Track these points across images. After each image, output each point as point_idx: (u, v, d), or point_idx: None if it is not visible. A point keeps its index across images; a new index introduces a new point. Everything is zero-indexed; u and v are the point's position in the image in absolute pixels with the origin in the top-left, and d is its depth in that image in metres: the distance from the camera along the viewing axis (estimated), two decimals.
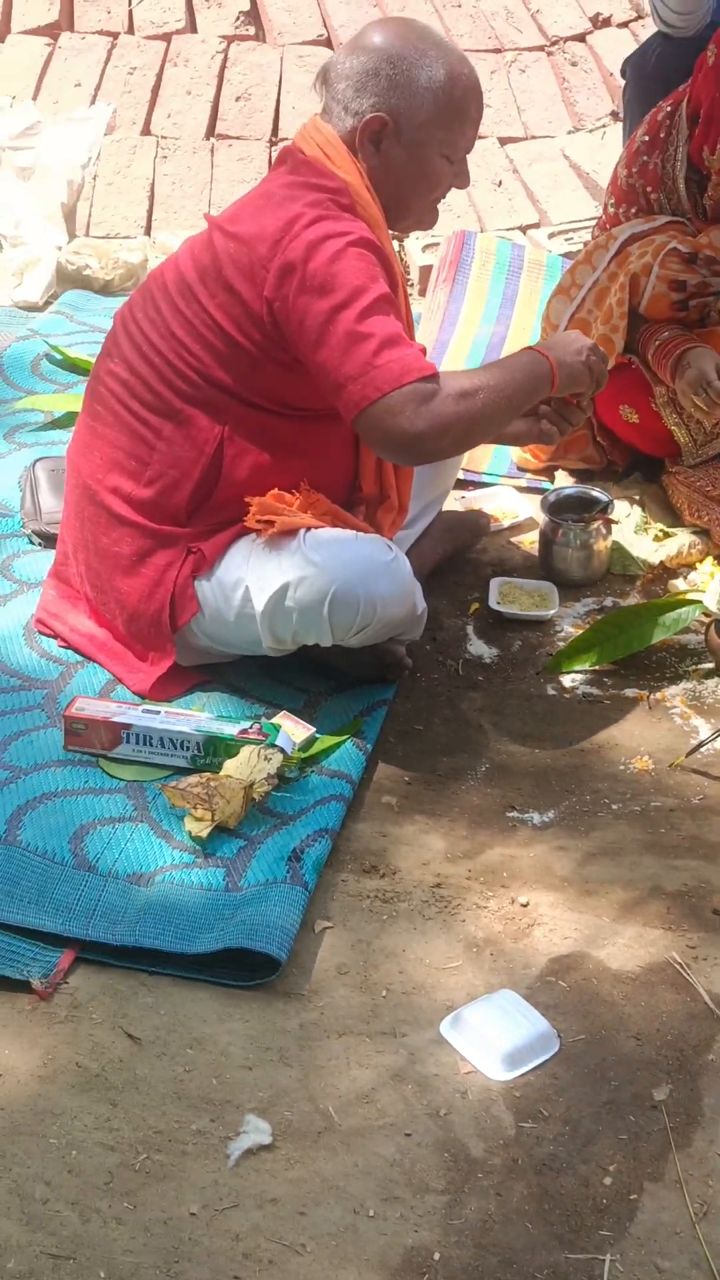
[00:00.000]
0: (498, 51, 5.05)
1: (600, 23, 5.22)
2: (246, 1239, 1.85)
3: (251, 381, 2.58)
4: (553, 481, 3.45)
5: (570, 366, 2.63)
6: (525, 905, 2.37)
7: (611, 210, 3.40)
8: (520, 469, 3.51)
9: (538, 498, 3.39)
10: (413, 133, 2.59)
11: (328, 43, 5.00)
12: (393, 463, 2.69)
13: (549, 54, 5.11)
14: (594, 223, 4.55)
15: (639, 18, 5.27)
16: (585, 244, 3.57)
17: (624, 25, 5.25)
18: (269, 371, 2.57)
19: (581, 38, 5.16)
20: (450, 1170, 1.95)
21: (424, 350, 2.53)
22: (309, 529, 2.60)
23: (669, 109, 3.29)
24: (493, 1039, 2.11)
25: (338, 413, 2.54)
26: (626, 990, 2.22)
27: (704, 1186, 1.93)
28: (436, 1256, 1.84)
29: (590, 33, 5.18)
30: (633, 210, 3.35)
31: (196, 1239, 1.84)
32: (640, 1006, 2.19)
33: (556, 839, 2.51)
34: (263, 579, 2.59)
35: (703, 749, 2.68)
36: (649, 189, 3.32)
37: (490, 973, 2.25)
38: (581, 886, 2.41)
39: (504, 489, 3.43)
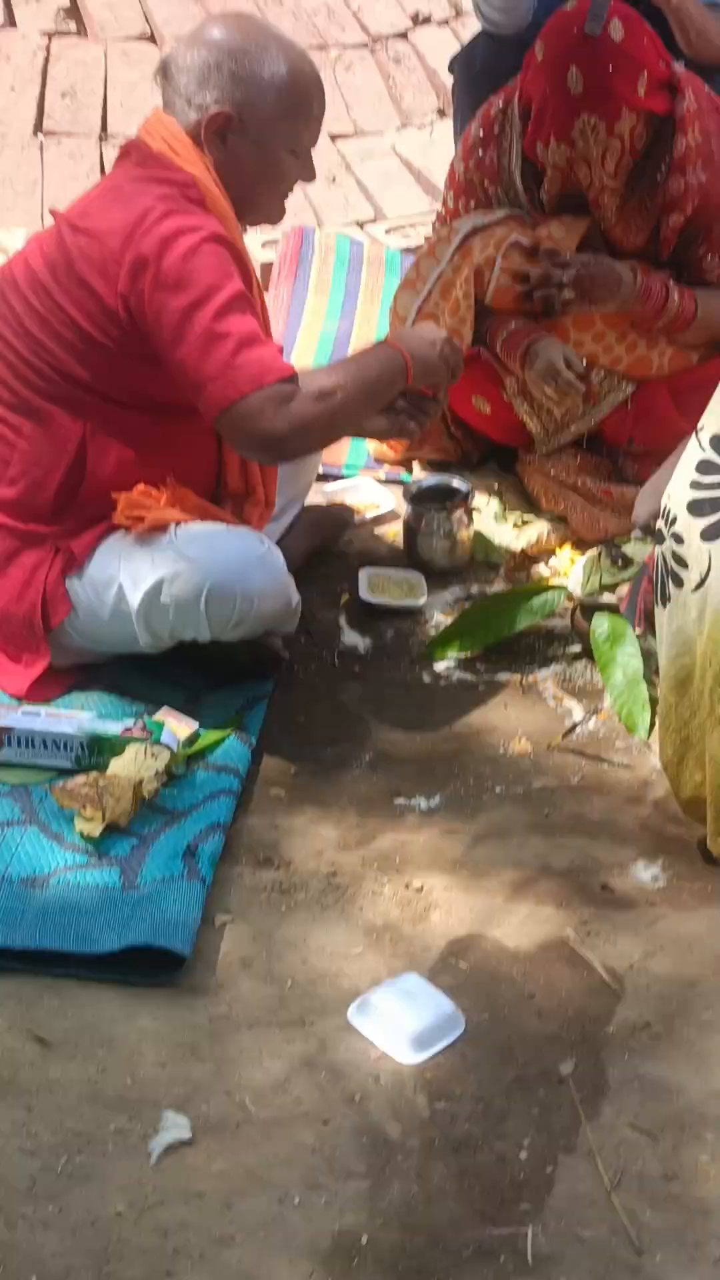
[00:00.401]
0: (322, 48, 5.08)
1: (420, 20, 5.29)
2: (175, 1235, 1.84)
3: (111, 377, 2.56)
4: (410, 473, 3.49)
5: (424, 359, 2.68)
6: (420, 890, 2.40)
7: (451, 204, 3.45)
8: (378, 461, 3.54)
9: (397, 489, 3.44)
10: (258, 128, 2.59)
11: (151, 38, 4.97)
12: (256, 462, 2.71)
13: (372, 51, 5.16)
14: (429, 218, 4.63)
15: (458, 15, 5.36)
16: (427, 237, 3.62)
17: (444, 24, 5.34)
18: (129, 367, 2.55)
19: (403, 35, 5.23)
20: (370, 1154, 1.97)
21: (280, 349, 2.55)
22: (179, 523, 2.59)
23: (500, 105, 3.34)
24: (400, 1022, 2.13)
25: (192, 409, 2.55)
26: (525, 968, 2.27)
27: (615, 1156, 1.98)
28: (364, 1240, 1.86)
29: (411, 30, 5.25)
30: (472, 203, 3.41)
31: (125, 1238, 1.83)
32: (539, 983, 2.24)
33: (445, 823, 2.55)
34: (136, 576, 2.57)
35: (577, 730, 2.75)
36: (486, 183, 3.37)
37: (391, 957, 2.28)
38: (473, 868, 2.45)
39: (364, 481, 3.46)
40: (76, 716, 2.59)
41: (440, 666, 2.93)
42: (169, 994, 2.19)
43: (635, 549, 2.96)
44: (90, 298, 2.51)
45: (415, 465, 3.50)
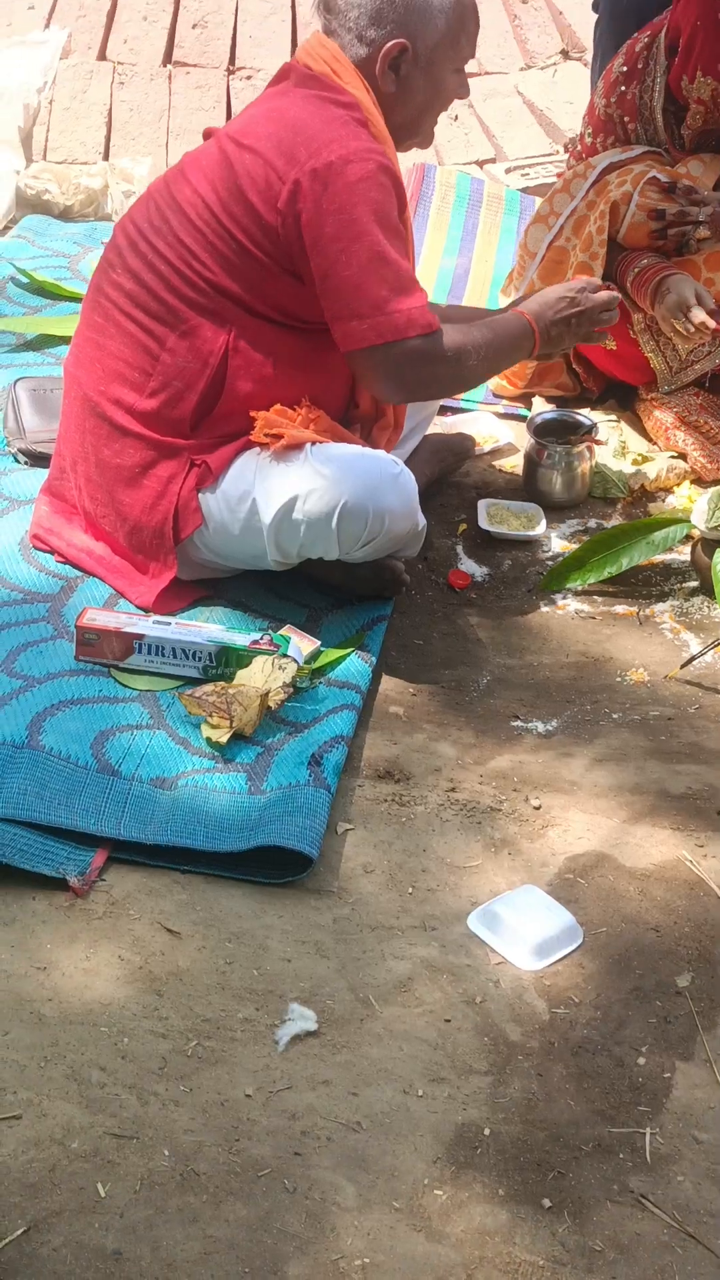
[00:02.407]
0: None
1: None
2: (303, 1118, 1.90)
3: (260, 292, 2.59)
4: (529, 408, 3.50)
5: (551, 334, 2.75)
6: (538, 808, 2.44)
7: (589, 140, 3.44)
8: (496, 395, 3.56)
9: (515, 423, 3.46)
10: (429, 53, 2.63)
11: None
12: (377, 397, 2.74)
13: None
14: (549, 159, 4.63)
15: None
16: (560, 174, 3.63)
17: None
18: (280, 283, 2.59)
19: None
20: (491, 1053, 2.02)
21: (426, 298, 2.59)
22: (315, 443, 2.63)
23: (646, 39, 3.34)
24: (521, 931, 2.17)
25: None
26: (642, 886, 2.30)
27: None
28: (487, 1132, 1.90)
29: None
30: (610, 140, 3.41)
31: (254, 1119, 1.89)
32: (656, 901, 2.27)
33: (562, 746, 2.58)
34: (270, 492, 2.62)
35: (695, 662, 2.77)
36: (626, 119, 3.37)
37: (510, 871, 2.31)
38: (591, 790, 2.48)
39: (482, 415, 3.48)
40: (205, 628, 2.64)
41: (557, 597, 2.95)
42: (294, 894, 2.24)
43: None
44: (248, 212, 2.55)
45: (535, 400, 3.50)
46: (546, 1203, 1.83)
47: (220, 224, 2.58)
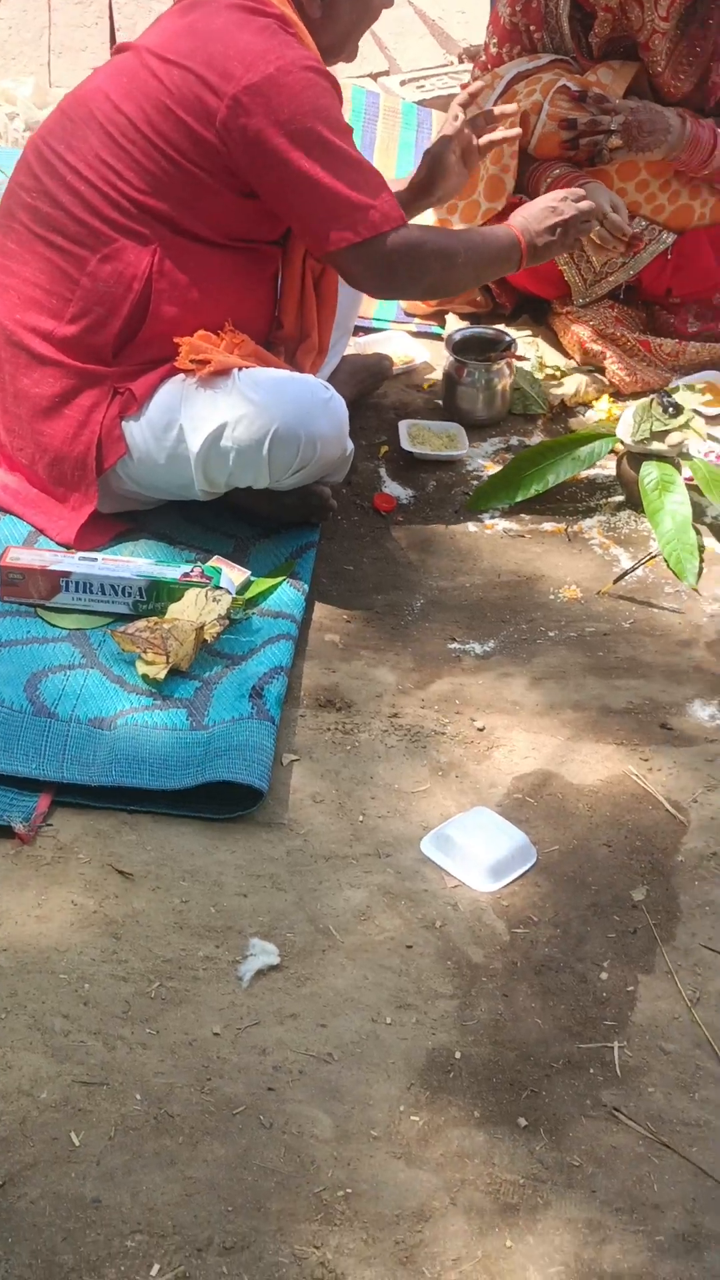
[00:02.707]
0: None
1: None
2: (274, 1053, 1.88)
3: (192, 209, 2.52)
4: (443, 325, 3.45)
5: (538, 244, 2.77)
6: (482, 730, 2.42)
7: (494, 50, 3.38)
8: (409, 314, 3.51)
9: (429, 342, 3.42)
10: None
11: None
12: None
13: None
14: (444, 70, 4.55)
15: None
16: (463, 85, 3.56)
17: None
18: (217, 199, 2.53)
19: None
20: (455, 976, 2.01)
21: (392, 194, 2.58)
22: (242, 369, 2.57)
23: None
24: (475, 853, 2.17)
25: (265, 248, 2.56)
26: (591, 802, 2.30)
27: (693, 975, 2.03)
28: (458, 1055, 1.90)
29: None
30: (516, 49, 3.35)
31: (224, 1057, 1.87)
32: (606, 816, 2.27)
33: (501, 666, 2.57)
34: (198, 419, 2.55)
35: (627, 577, 2.76)
36: (532, 28, 3.31)
37: (459, 794, 2.30)
38: (532, 709, 2.47)
39: (395, 334, 3.43)
40: (133, 562, 2.58)
41: (485, 516, 2.93)
42: (245, 828, 2.21)
43: (686, 397, 2.95)
44: (180, 129, 2.48)
45: (449, 317, 3.46)
46: (522, 1121, 1.83)
47: (148, 140, 2.49)
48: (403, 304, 3.48)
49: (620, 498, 2.98)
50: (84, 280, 2.54)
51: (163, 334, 2.56)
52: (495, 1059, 1.90)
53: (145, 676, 2.41)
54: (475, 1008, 1.97)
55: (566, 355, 3.36)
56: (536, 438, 3.16)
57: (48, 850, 2.13)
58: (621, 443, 2.92)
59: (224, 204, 2.54)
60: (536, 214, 2.77)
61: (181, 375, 2.59)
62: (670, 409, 2.88)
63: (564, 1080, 1.89)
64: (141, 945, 2.01)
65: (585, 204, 2.79)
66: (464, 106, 2.87)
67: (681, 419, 2.88)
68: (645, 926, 2.10)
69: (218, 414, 2.54)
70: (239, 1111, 1.81)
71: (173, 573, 2.54)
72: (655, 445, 2.88)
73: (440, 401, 3.21)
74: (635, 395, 3.25)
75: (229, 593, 2.51)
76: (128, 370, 2.58)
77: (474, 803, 2.28)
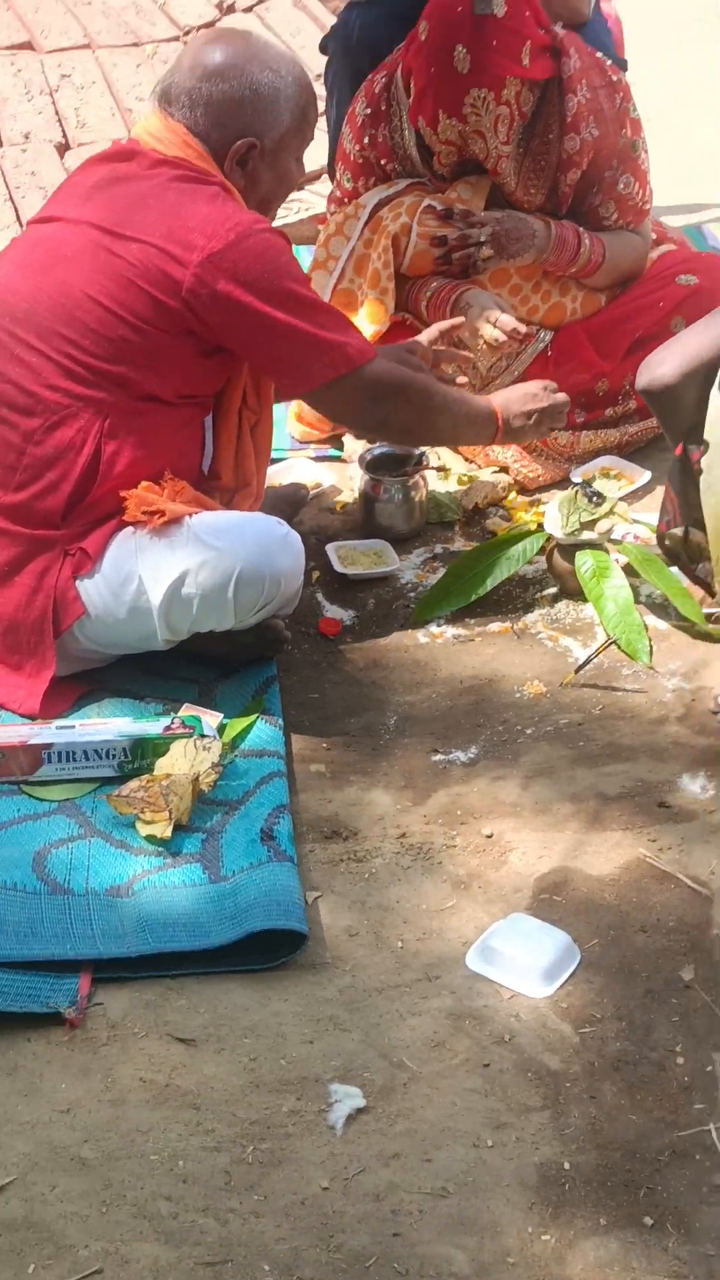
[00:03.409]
0: (136, 45, 5.04)
1: (226, 9, 5.29)
2: (388, 1197, 1.85)
3: (151, 369, 2.55)
4: (340, 448, 3.51)
5: (513, 425, 2.93)
6: (490, 836, 2.44)
7: (348, 185, 3.48)
8: (303, 441, 3.55)
9: (330, 464, 3.47)
10: (275, 147, 2.66)
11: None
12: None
13: (185, 44, 5.13)
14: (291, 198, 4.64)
15: (260, 1, 5.37)
16: (319, 220, 3.65)
17: (249, 10, 5.34)
18: (176, 358, 2.57)
19: (212, 25, 5.22)
20: (539, 1086, 2.01)
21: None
22: (192, 515, 2.58)
23: (384, 80, 3.38)
24: (524, 960, 2.17)
25: (205, 401, 2.64)
26: (615, 891, 2.32)
27: None
28: (567, 1166, 1.89)
29: (219, 19, 5.24)
30: (371, 181, 3.45)
31: (340, 1210, 1.83)
32: (634, 903, 2.30)
33: (490, 770, 2.59)
34: (157, 570, 2.55)
35: (586, 665, 2.82)
36: (383, 160, 3.42)
37: (487, 904, 2.31)
38: (533, 808, 2.50)
39: (297, 461, 3.47)
40: (112, 723, 2.54)
41: (431, 626, 2.96)
42: (291, 974, 2.18)
43: (605, 485, 3.05)
44: (141, 298, 2.51)
45: (345, 438, 3.51)
46: (648, 1220, 1.83)
47: (108, 311, 2.51)
48: (296, 434, 3.52)
49: (554, 589, 3.05)
50: (31, 449, 2.53)
51: (112, 492, 2.56)
52: (603, 1162, 1.90)
53: (151, 837, 2.37)
54: (568, 1115, 1.97)
55: (467, 459, 3.43)
56: (458, 543, 3.22)
57: (101, 1030, 2.07)
58: (552, 536, 2.99)
59: (182, 363, 2.57)
60: (517, 398, 2.93)
61: (131, 528, 2.58)
62: (594, 498, 2.97)
63: (674, 1171, 1.89)
64: (224, 1111, 1.96)
65: (560, 396, 2.98)
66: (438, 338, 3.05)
67: (606, 506, 2.97)
68: (704, 1004, 2.13)
69: (177, 562, 2.54)
70: (371, 1264, 1.77)
71: (155, 728, 2.52)
72: (586, 535, 2.96)
73: (360, 521, 3.25)
74: (540, 489, 3.35)
75: (217, 739, 2.49)
76: (77, 531, 2.57)
77: (503, 910, 2.29)
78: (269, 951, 2.20)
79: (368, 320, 3.35)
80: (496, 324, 3.13)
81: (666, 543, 2.78)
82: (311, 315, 2.59)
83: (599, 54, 3.37)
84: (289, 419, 3.49)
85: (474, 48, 3.13)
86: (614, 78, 3.35)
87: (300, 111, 2.67)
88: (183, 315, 2.52)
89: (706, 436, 2.40)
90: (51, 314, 2.53)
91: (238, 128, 2.61)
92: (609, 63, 3.40)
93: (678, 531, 2.71)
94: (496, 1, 3.14)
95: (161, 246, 2.50)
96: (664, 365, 2.56)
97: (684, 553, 2.74)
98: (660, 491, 3.21)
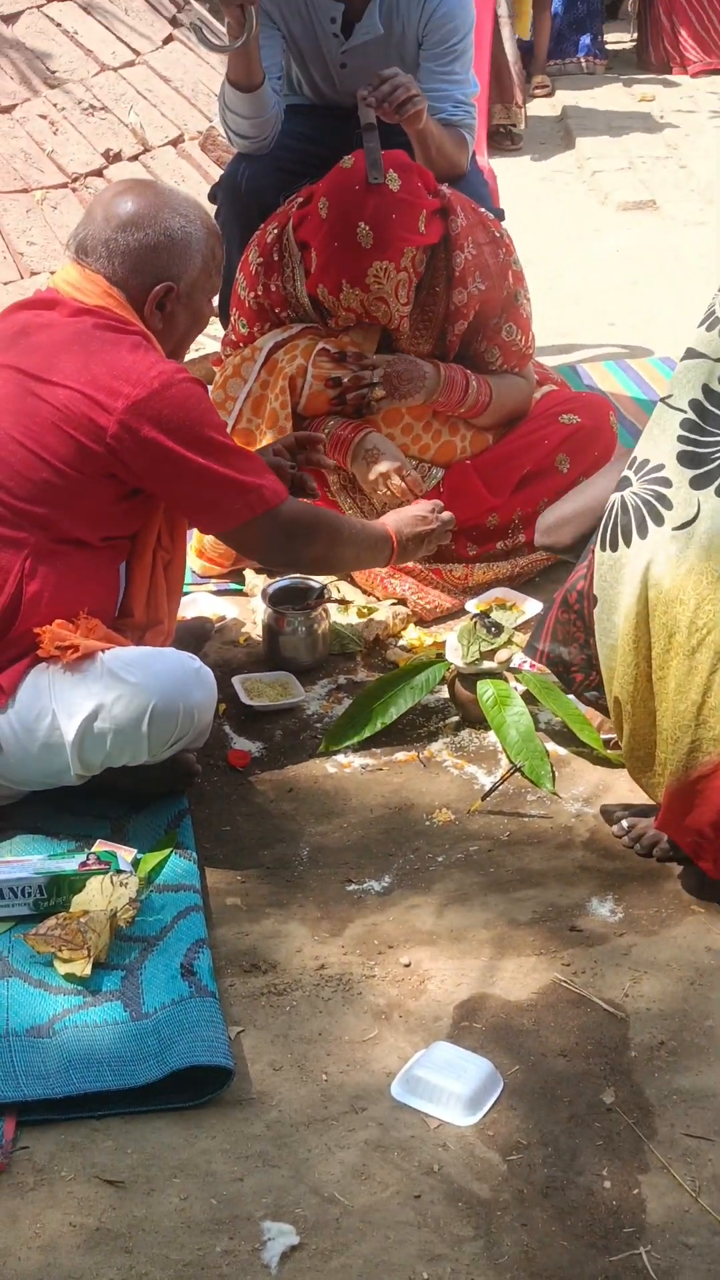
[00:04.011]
0: (26, 191, 5.14)
1: (112, 158, 5.43)
2: None
3: (71, 510, 2.60)
4: (242, 581, 3.56)
5: (408, 548, 3.07)
6: (408, 965, 2.46)
7: (243, 330, 3.59)
8: (203, 576, 3.60)
9: (231, 598, 3.52)
10: (189, 289, 2.75)
11: None
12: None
13: (74, 190, 5.26)
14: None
15: (146, 150, 5.52)
16: (217, 363, 3.74)
17: (134, 159, 5.49)
18: (96, 500, 2.63)
19: (99, 173, 5.35)
20: (471, 1216, 2.02)
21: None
22: (106, 650, 2.60)
23: (275, 231, 3.50)
24: (447, 1089, 2.19)
25: (123, 542, 2.71)
26: (534, 1016, 2.36)
27: (687, 1166, 2.10)
28: None
29: (106, 168, 5.38)
30: (266, 326, 3.56)
31: None
32: (552, 1027, 2.34)
33: (404, 899, 2.62)
34: (71, 704, 2.56)
35: (493, 793, 2.88)
36: (276, 309, 3.53)
37: (408, 1033, 2.33)
38: (448, 935, 2.53)
39: (199, 595, 3.51)
40: (28, 861, 2.53)
41: (339, 756, 3.00)
42: (216, 1110, 2.17)
43: (502, 616, 3.14)
44: (67, 443, 2.57)
45: (246, 571, 3.57)
46: None
47: (31, 453, 2.56)
48: (197, 569, 3.57)
49: (457, 718, 3.11)
50: None
51: (29, 631, 2.58)
52: None
53: (70, 975, 2.35)
54: (501, 1244, 1.97)
55: (366, 592, 3.51)
56: (360, 673, 3.27)
57: (27, 1175, 2.04)
58: (454, 666, 3.07)
59: (101, 505, 2.64)
60: (408, 519, 3.06)
61: (44, 664, 2.60)
62: (492, 629, 3.06)
63: None
64: (157, 1254, 1.94)
65: (446, 515, 3.12)
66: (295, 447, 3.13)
67: (504, 636, 3.06)
68: (626, 1127, 2.16)
69: (91, 697, 2.56)
70: None
71: (70, 864, 2.51)
72: (486, 664, 3.04)
73: (263, 653, 3.29)
74: (436, 620, 3.43)
75: (133, 874, 2.49)
76: None
77: (424, 1039, 2.31)
78: (194, 1088, 2.19)
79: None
80: (396, 481, 3.26)
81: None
82: (230, 460, 2.68)
83: (480, 209, 3.53)
84: (190, 554, 3.54)
85: (375, 224, 3.27)
86: (497, 233, 3.51)
87: (210, 253, 2.76)
88: (105, 459, 2.58)
89: (595, 591, 2.49)
90: None
91: (154, 273, 2.69)
92: (491, 217, 3.56)
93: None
94: (391, 176, 3.28)
95: (86, 393, 2.56)
96: (561, 531, 2.70)
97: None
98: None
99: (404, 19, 3.70)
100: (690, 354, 2.41)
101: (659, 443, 2.42)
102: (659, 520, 2.40)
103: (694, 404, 2.39)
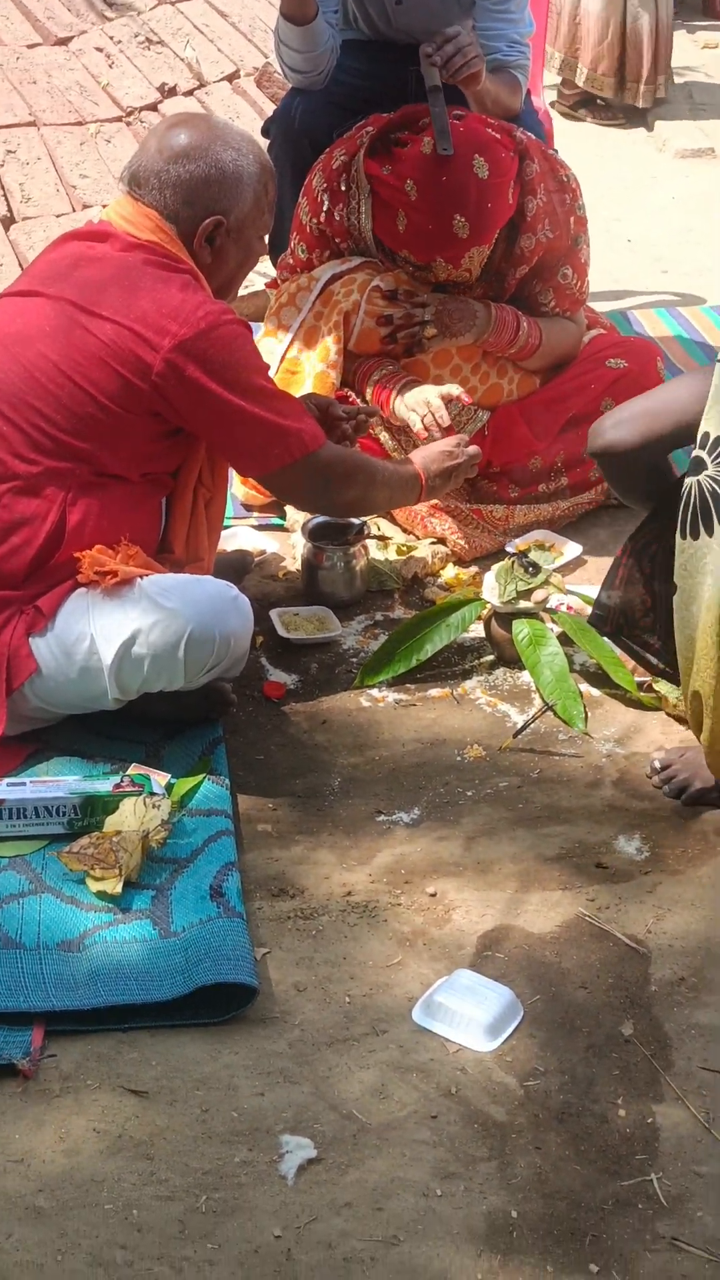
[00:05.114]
0: (80, 124, 5.15)
1: (167, 92, 5.42)
2: (340, 1245, 1.88)
3: (113, 447, 2.64)
4: (283, 516, 3.58)
5: (434, 484, 3.08)
6: (434, 895, 2.49)
7: (303, 255, 3.58)
8: (247, 507, 3.62)
9: (273, 533, 3.53)
10: (239, 225, 2.76)
11: None
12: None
13: (128, 124, 5.25)
14: None
15: (201, 85, 5.51)
16: (272, 287, 3.73)
17: (189, 94, 5.47)
18: (138, 437, 2.66)
19: (154, 107, 5.34)
20: (486, 1138, 2.05)
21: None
22: (145, 577, 2.63)
23: (344, 158, 3.46)
24: (469, 1015, 2.22)
25: (164, 478, 2.75)
26: (556, 948, 2.39)
27: (701, 1098, 2.13)
28: (514, 1214, 1.94)
29: (160, 102, 5.37)
30: (325, 254, 3.55)
31: (295, 1257, 1.86)
32: (574, 960, 2.37)
33: (432, 831, 2.65)
34: (109, 629, 2.60)
35: (524, 731, 2.90)
36: (337, 239, 3.52)
37: (431, 960, 2.36)
38: (475, 868, 2.56)
39: (240, 529, 3.53)
40: (63, 781, 2.57)
41: (373, 691, 3.03)
42: (241, 1028, 2.22)
43: (540, 556, 3.14)
44: (113, 378, 2.60)
45: (287, 507, 3.58)
46: (593, 1267, 1.88)
47: (78, 387, 2.60)
48: (240, 496, 3.59)
49: (492, 656, 3.13)
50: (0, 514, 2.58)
51: (71, 558, 2.61)
52: (549, 1211, 1.95)
53: (102, 893, 2.40)
54: (514, 1165, 2.01)
55: (406, 530, 3.52)
56: (397, 610, 3.29)
57: (54, 1082, 2.09)
58: (490, 605, 3.08)
59: (143, 442, 2.67)
60: (434, 456, 3.08)
61: (84, 588, 2.63)
62: (530, 569, 3.06)
63: (618, 1220, 1.94)
64: (177, 1161, 1.98)
65: (472, 449, 3.13)
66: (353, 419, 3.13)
67: (541, 577, 3.07)
68: (643, 1059, 2.19)
69: (129, 622, 2.59)
70: None
71: (104, 786, 2.55)
72: (523, 604, 3.05)
73: (302, 587, 3.32)
74: (475, 560, 3.44)
75: (165, 797, 2.53)
76: (35, 591, 2.61)
77: (448, 967, 2.34)
78: (219, 1006, 2.23)
79: (315, 390, 3.44)
80: (430, 406, 3.26)
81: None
82: (271, 404, 2.70)
83: (549, 152, 3.50)
84: (235, 480, 3.56)
85: (472, 216, 3.25)
86: (565, 176, 3.49)
87: (263, 189, 2.77)
88: (149, 396, 2.61)
89: (675, 579, 2.45)
90: (25, 385, 2.60)
91: (205, 205, 2.70)
92: (559, 159, 3.54)
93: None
94: (479, 163, 3.22)
95: (134, 329, 2.59)
96: (623, 429, 2.52)
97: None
98: (594, 563, 3.33)
99: None
100: None
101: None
102: None
103: None
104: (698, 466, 2.36)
